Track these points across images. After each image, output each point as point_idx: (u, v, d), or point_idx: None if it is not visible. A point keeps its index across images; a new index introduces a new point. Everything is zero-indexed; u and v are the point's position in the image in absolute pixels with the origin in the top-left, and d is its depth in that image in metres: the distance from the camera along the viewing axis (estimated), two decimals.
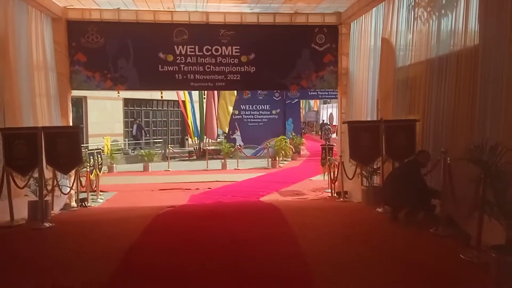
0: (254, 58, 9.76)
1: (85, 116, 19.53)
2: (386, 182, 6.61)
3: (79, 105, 19.53)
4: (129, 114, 21.69)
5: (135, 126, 21.14)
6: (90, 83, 9.41)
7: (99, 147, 10.82)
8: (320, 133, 32.65)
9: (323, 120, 36.42)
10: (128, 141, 20.90)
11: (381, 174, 7.26)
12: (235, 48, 9.70)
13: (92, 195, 10.31)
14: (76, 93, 19.21)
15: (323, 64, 9.93)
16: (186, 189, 11.95)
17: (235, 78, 9.75)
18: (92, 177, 10.10)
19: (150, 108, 22.81)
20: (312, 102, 40.75)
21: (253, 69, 9.77)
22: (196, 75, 9.66)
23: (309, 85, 10.00)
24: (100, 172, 10.62)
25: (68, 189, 8.65)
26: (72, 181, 8.85)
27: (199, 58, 9.63)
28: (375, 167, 7.78)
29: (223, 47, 9.67)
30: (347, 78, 9.80)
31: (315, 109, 41.67)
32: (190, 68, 9.62)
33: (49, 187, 7.36)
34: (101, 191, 11.06)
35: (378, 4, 8.14)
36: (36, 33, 8.24)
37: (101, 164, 10.73)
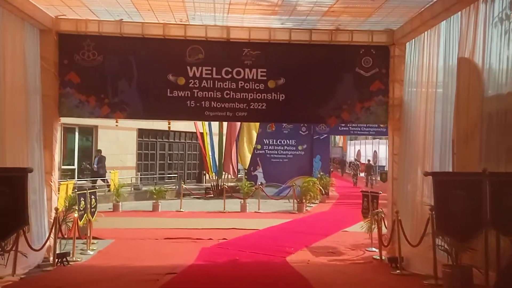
0: (284, 84, 7.90)
1: (95, 147, 17.96)
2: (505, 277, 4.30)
3: (88, 134, 18.05)
4: (143, 146, 20.08)
5: (96, 160, 17.06)
6: (82, 109, 7.70)
7: (95, 187, 9.01)
8: (349, 172, 30.39)
9: (355, 159, 34.04)
10: (140, 175, 19.18)
11: (485, 254, 4.98)
12: (261, 71, 7.89)
13: (82, 243, 8.48)
14: (86, 121, 17.85)
15: (370, 92, 7.99)
16: (196, 239, 9.94)
17: (260, 107, 7.88)
18: (81, 223, 8.24)
19: (167, 140, 21.19)
20: (337, 137, 38.72)
21: (282, 96, 7.91)
22: (213, 103, 7.84)
23: (352, 118, 8.03)
24: (93, 217, 8.74)
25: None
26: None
27: (216, 82, 7.85)
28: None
29: (247, 70, 7.88)
30: (400, 110, 7.80)
31: (340, 145, 39.54)
32: (206, 94, 7.83)
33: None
34: (94, 238, 9.22)
35: (450, 16, 6.22)
36: (14, 46, 6.61)
37: (95, 207, 8.87)
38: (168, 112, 7.94)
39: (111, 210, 14.11)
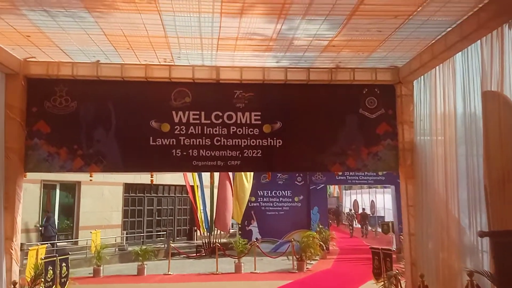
0: (281, 128, 7.06)
1: (77, 204, 16.73)
2: None
3: (71, 191, 16.87)
4: (129, 202, 18.83)
5: (44, 220, 14.92)
6: (52, 163, 6.71)
7: (66, 252, 7.83)
8: (345, 223, 29.08)
9: (350, 209, 32.89)
10: (126, 233, 17.80)
11: None
12: (255, 115, 7.07)
13: None
14: (68, 177, 16.78)
15: (377, 136, 7.16)
16: None
17: (255, 154, 6.98)
18: None
19: (155, 195, 20.00)
20: (331, 187, 37.58)
21: (279, 142, 7.04)
22: (202, 151, 6.93)
23: (359, 165, 7.12)
24: None
25: None
26: None
27: (205, 128, 6.99)
28: None
29: (239, 114, 7.06)
30: (412, 155, 6.94)
31: (335, 195, 38.35)
32: (194, 142, 6.93)
33: None
34: None
35: (467, 47, 5.52)
36: None
37: (66, 276, 7.64)
38: (151, 163, 6.96)
39: (91, 275, 12.73)
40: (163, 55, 6.56)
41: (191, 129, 6.95)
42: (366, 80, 7.15)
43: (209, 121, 7.00)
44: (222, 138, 6.99)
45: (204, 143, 6.94)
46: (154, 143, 6.87)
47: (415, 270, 6.69)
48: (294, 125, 7.11)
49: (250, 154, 6.98)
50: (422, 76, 6.78)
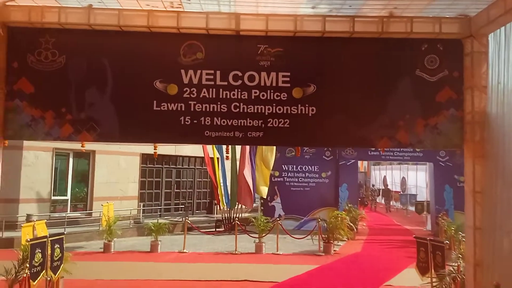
0: (315, 93, 5.66)
1: (91, 174, 15.88)
2: None
3: (85, 161, 16.00)
4: (147, 173, 17.90)
5: None
6: (35, 129, 5.56)
7: (61, 233, 6.79)
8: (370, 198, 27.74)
9: (373, 185, 31.36)
10: (143, 206, 16.94)
11: None
12: (283, 76, 5.67)
13: None
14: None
15: (437, 105, 5.67)
16: None
17: (281, 125, 5.63)
18: (34, 284, 6.00)
19: (174, 166, 19.00)
20: (359, 162, 35.90)
21: (312, 110, 5.65)
22: (216, 120, 5.63)
23: (412, 140, 5.68)
24: (55, 274, 6.49)
25: None
26: None
27: (221, 91, 5.66)
28: None
29: (263, 74, 5.68)
30: (484, 129, 5.44)
31: (362, 170, 36.72)
32: (206, 108, 5.63)
33: None
34: None
35: None
36: None
37: (60, 259, 6.62)
38: (154, 133, 5.70)
39: (102, 250, 11.88)
40: None
41: (204, 92, 5.63)
42: (426, 32, 5.61)
43: (225, 83, 5.65)
44: (242, 104, 5.65)
45: (219, 110, 5.63)
46: (159, 109, 5.61)
47: (480, 273, 5.34)
48: (332, 89, 5.69)
49: (275, 124, 5.63)
50: (502, 28, 5.20)
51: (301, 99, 5.63)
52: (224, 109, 5.63)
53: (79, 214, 15.18)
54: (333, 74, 5.73)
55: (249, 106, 5.64)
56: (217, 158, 16.28)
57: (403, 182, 27.28)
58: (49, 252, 6.35)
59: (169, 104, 5.61)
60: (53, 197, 14.62)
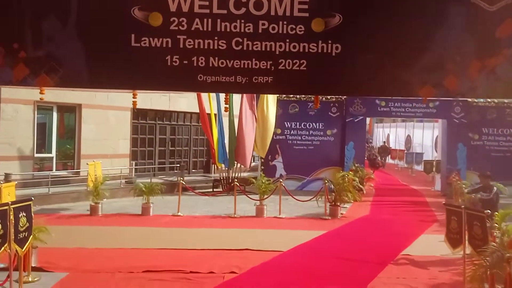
0: (341, 25, 4.35)
1: (78, 130, 14.67)
2: None
3: (71, 115, 14.75)
4: (139, 129, 16.71)
5: None
6: None
7: (28, 199, 5.67)
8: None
9: (370, 141, 30.28)
10: (135, 164, 15.88)
11: None
12: (300, 3, 4.34)
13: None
14: (66, 98, 14.59)
15: (497, 42, 4.39)
16: (190, 272, 6.64)
17: (296, 67, 4.38)
18: None
19: (168, 123, 17.78)
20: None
21: (336, 48, 4.37)
22: (212, 60, 4.36)
23: (463, 87, 4.44)
24: (22, 248, 5.45)
25: None
26: None
27: (219, 22, 4.34)
28: None
29: (274, 0, 4.35)
30: None
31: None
32: (200, 44, 4.35)
33: None
34: (37, 270, 6.07)
35: None
36: None
37: (27, 230, 5.54)
38: (133, 77, 4.44)
39: (88, 213, 10.90)
40: None
41: (196, 24, 4.32)
42: None
43: (224, 11, 4.33)
44: (246, 39, 4.36)
45: (216, 47, 4.35)
46: (138, 45, 4.32)
47: None
48: (361, 21, 4.38)
49: (289, 66, 4.38)
50: None
51: (323, 33, 4.34)
52: (222, 46, 4.35)
53: (66, 173, 14.13)
54: (364, 0, 4.41)
55: (255, 43, 4.36)
56: (215, 114, 15.06)
57: (408, 140, 26.27)
58: (13, 221, 5.27)
59: (151, 39, 4.32)
60: (36, 155, 13.51)
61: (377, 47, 4.39)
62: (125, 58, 4.35)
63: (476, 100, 15.60)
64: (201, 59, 4.35)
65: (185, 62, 4.35)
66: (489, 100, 15.56)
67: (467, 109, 15.15)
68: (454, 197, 12.02)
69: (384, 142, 28.36)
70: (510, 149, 15.18)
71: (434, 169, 17.28)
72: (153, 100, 16.56)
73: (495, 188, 8.14)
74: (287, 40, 4.36)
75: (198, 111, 15.18)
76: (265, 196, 11.57)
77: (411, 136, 25.89)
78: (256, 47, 4.37)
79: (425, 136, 23.52)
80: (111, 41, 4.36)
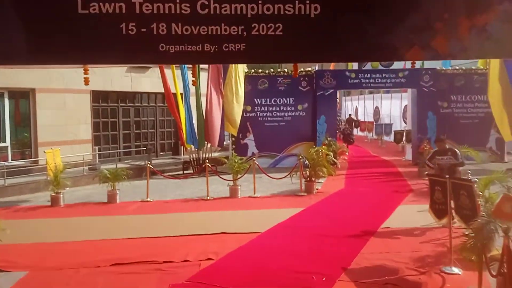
0: None
1: (33, 116, 13.67)
2: None
3: (25, 101, 13.70)
4: (100, 113, 15.81)
5: None
6: None
7: None
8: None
9: (339, 115, 30.24)
10: (98, 150, 15.05)
11: None
12: None
13: None
14: (18, 83, 13.52)
15: None
16: (163, 262, 6.17)
17: (271, 32, 3.87)
18: None
19: (131, 104, 16.92)
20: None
21: (315, 9, 3.88)
22: (175, 27, 3.80)
23: (453, 48, 4.06)
24: None
25: None
26: None
27: None
28: None
29: None
30: None
31: None
32: (159, 9, 3.76)
33: None
34: None
35: None
36: None
37: None
38: (82, 50, 3.83)
39: (49, 204, 10.17)
40: None
41: None
42: None
43: None
44: (212, 1, 3.80)
45: (179, 11, 3.78)
46: (86, 11, 3.69)
47: None
48: None
49: (263, 31, 3.87)
50: None
51: None
52: (186, 10, 3.79)
53: (23, 163, 13.19)
54: None
55: (223, 6, 3.82)
56: (181, 94, 14.34)
57: (376, 111, 26.38)
58: None
59: (101, 4, 3.70)
60: None
61: (360, 7, 3.94)
62: (71, 27, 3.72)
63: (444, 68, 15.59)
64: (162, 26, 3.78)
65: (143, 30, 3.76)
66: (456, 67, 15.59)
67: (436, 77, 15.10)
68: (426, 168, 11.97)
69: (350, 114, 28.46)
70: (478, 115, 15.28)
71: (404, 139, 17.31)
72: (114, 81, 15.67)
73: (457, 151, 7.88)
74: (260, 2, 3.84)
75: (163, 91, 14.46)
76: (239, 176, 11.15)
77: (379, 107, 25.99)
78: (225, 10, 3.83)
79: (393, 107, 23.62)
80: (53, 9, 3.71)
